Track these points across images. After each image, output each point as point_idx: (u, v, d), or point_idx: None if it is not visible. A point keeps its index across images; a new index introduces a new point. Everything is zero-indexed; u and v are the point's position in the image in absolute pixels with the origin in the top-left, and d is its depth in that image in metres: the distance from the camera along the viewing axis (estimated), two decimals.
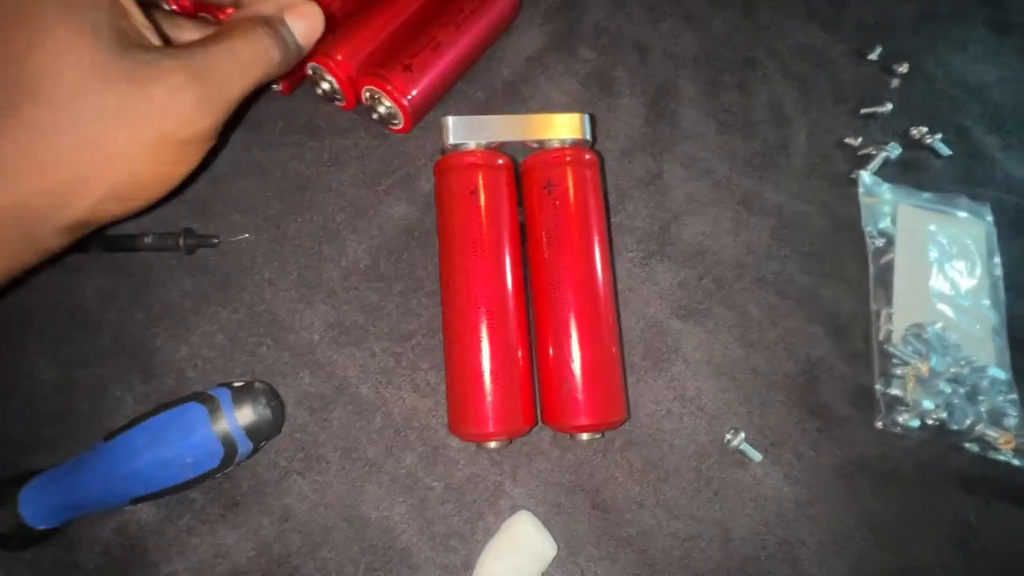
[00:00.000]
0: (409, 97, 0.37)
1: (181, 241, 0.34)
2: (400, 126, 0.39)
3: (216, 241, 0.35)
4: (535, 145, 0.32)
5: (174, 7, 0.37)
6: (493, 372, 0.27)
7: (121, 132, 0.19)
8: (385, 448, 0.30)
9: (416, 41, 0.39)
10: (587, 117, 0.32)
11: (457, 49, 0.40)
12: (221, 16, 0.35)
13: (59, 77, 0.18)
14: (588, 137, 0.32)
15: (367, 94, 0.38)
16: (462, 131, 0.31)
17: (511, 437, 0.28)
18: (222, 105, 0.21)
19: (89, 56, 0.18)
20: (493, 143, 0.31)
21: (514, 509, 0.29)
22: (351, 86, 0.38)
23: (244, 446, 0.27)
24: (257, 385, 0.28)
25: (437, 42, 0.39)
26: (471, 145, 0.31)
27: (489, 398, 0.27)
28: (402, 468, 0.29)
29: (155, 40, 0.21)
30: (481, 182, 0.29)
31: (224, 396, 0.27)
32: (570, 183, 0.30)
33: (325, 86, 0.39)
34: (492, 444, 0.28)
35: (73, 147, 0.18)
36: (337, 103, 0.40)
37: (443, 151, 0.32)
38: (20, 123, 0.18)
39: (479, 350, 0.28)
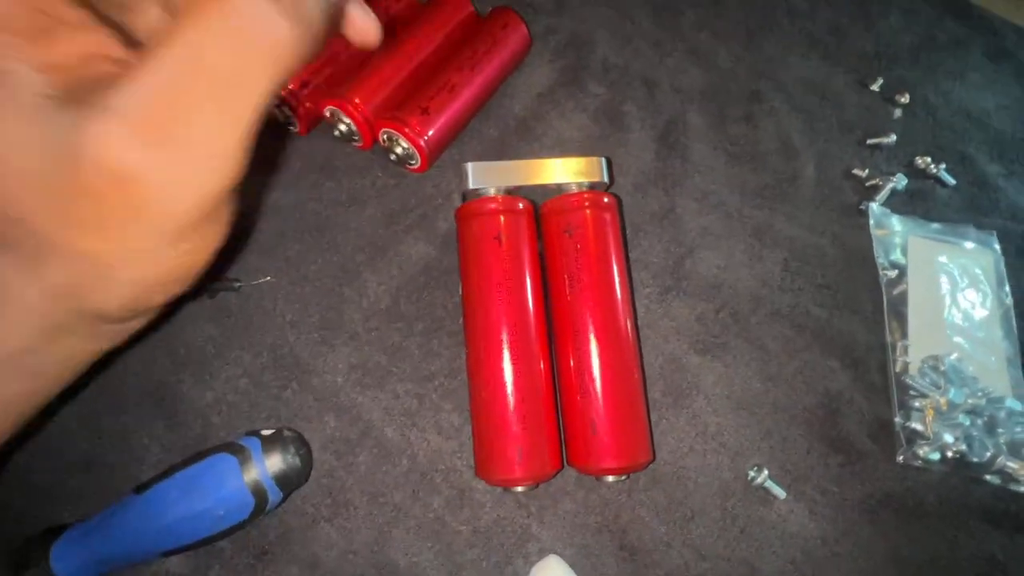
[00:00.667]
0: (426, 138, 0.38)
1: (204, 285, 0.34)
2: (417, 166, 0.40)
3: (238, 285, 0.35)
4: (554, 187, 0.33)
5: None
6: (519, 416, 0.28)
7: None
8: (411, 492, 0.30)
9: (432, 83, 0.39)
10: (604, 160, 0.32)
11: (472, 90, 0.40)
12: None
13: None
14: (606, 179, 0.32)
15: (384, 136, 0.39)
16: (482, 177, 0.31)
17: (537, 481, 0.28)
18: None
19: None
20: (512, 188, 0.32)
21: (542, 552, 0.29)
22: (368, 128, 0.39)
23: (274, 495, 0.27)
24: (287, 433, 0.28)
25: (452, 84, 0.40)
26: (491, 191, 0.31)
27: (516, 442, 0.27)
28: (429, 512, 0.30)
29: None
30: (503, 227, 0.30)
31: (254, 446, 0.27)
32: (590, 227, 0.30)
33: (343, 128, 0.40)
34: (519, 488, 0.28)
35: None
36: (354, 143, 0.41)
37: (464, 196, 0.33)
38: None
39: (505, 394, 0.28)
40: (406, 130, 0.38)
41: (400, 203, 0.39)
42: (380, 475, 0.30)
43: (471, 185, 0.31)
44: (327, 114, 0.40)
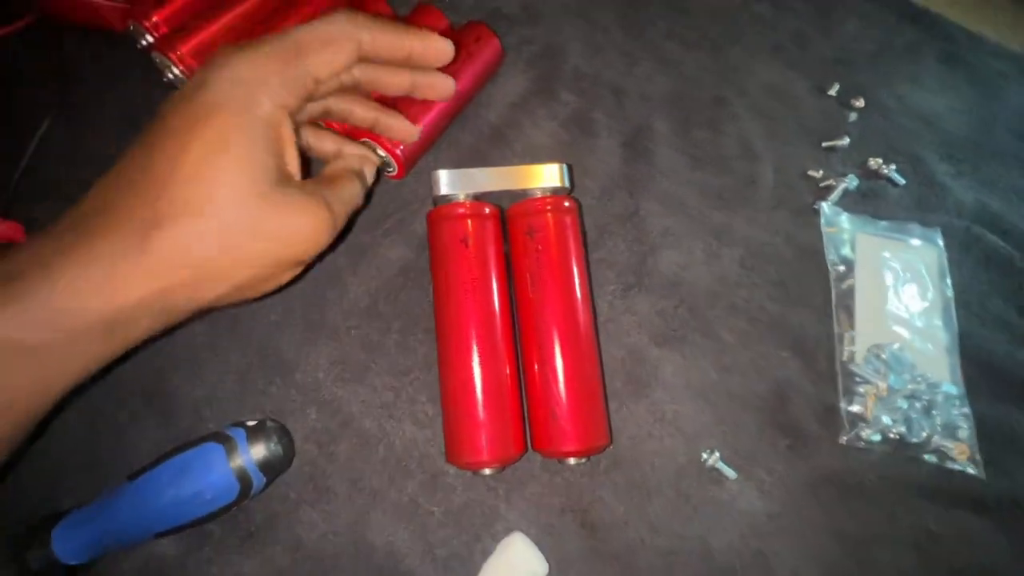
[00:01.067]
0: (402, 148, 0.40)
1: None
2: (394, 173, 0.42)
3: None
4: (520, 192, 0.35)
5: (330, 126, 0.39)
6: (485, 404, 0.30)
7: (255, 244, 0.24)
8: (388, 478, 0.32)
9: (409, 95, 0.42)
10: (565, 167, 0.35)
11: (447, 102, 0.43)
12: (356, 136, 0.38)
13: (216, 197, 0.23)
14: (567, 184, 0.35)
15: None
16: (451, 183, 0.34)
17: (504, 464, 0.31)
18: (335, 230, 0.27)
19: (246, 184, 0.23)
20: (480, 193, 0.34)
21: (508, 531, 0.31)
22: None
23: (258, 481, 0.29)
24: (269, 424, 0.30)
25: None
26: (460, 196, 0.34)
27: (482, 428, 0.30)
28: (404, 496, 0.32)
29: (298, 176, 0.26)
30: (470, 231, 0.32)
31: (240, 435, 0.29)
32: (551, 229, 0.33)
33: None
34: (487, 471, 0.30)
35: (213, 254, 0.23)
36: None
37: (435, 201, 0.35)
38: (179, 229, 0.22)
39: (473, 385, 0.30)
40: (384, 140, 0.40)
41: (379, 209, 0.42)
42: (359, 463, 0.33)
43: (441, 192, 0.34)
44: None
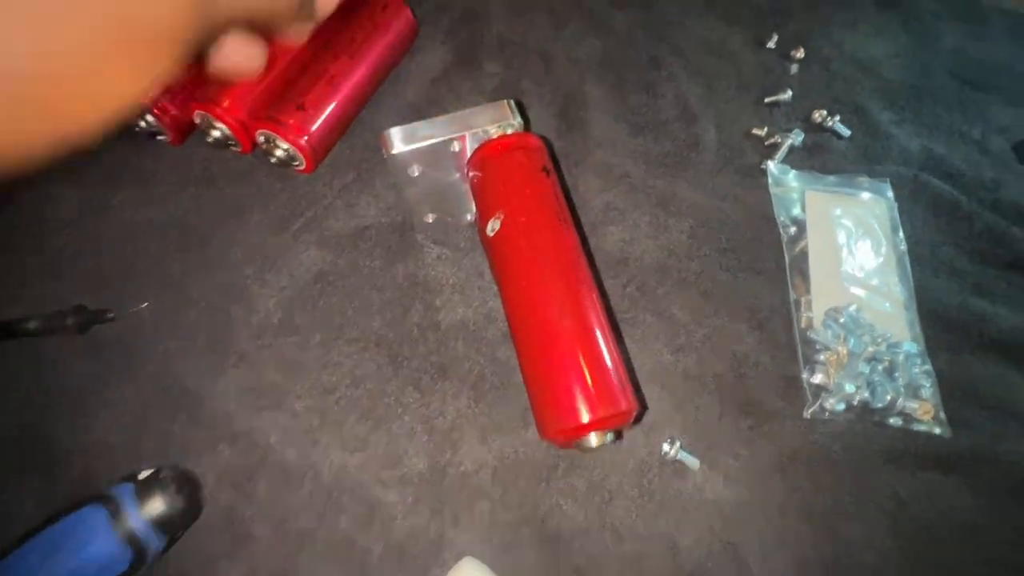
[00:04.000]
0: (306, 138, 0.35)
1: (70, 320, 0.31)
2: (303, 167, 0.37)
3: (111, 315, 0.32)
4: (481, 133, 0.31)
5: None
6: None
7: None
8: (317, 515, 0.29)
9: (308, 76, 0.37)
10: (512, 102, 0.31)
11: (353, 81, 0.38)
12: (252, 128, 0.33)
13: None
14: (519, 119, 0.31)
15: (262, 138, 0.36)
16: (406, 139, 0.30)
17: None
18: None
19: None
20: (438, 140, 0.30)
21: (459, 558, 0.28)
22: (244, 131, 0.36)
23: (157, 542, 0.25)
24: (164, 474, 0.26)
25: (331, 75, 0.37)
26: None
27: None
28: (337, 534, 0.28)
29: None
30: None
31: (126, 492, 0.25)
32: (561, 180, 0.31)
33: (216, 134, 0.37)
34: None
35: None
36: (233, 148, 0.38)
37: (390, 162, 0.30)
38: None
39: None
40: (283, 131, 0.35)
41: (288, 208, 0.37)
42: (282, 501, 0.29)
43: (395, 150, 0.29)
44: (197, 120, 0.37)
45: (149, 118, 0.36)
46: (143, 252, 0.35)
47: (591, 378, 0.24)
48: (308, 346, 0.32)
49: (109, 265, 0.34)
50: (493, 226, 0.28)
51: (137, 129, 0.37)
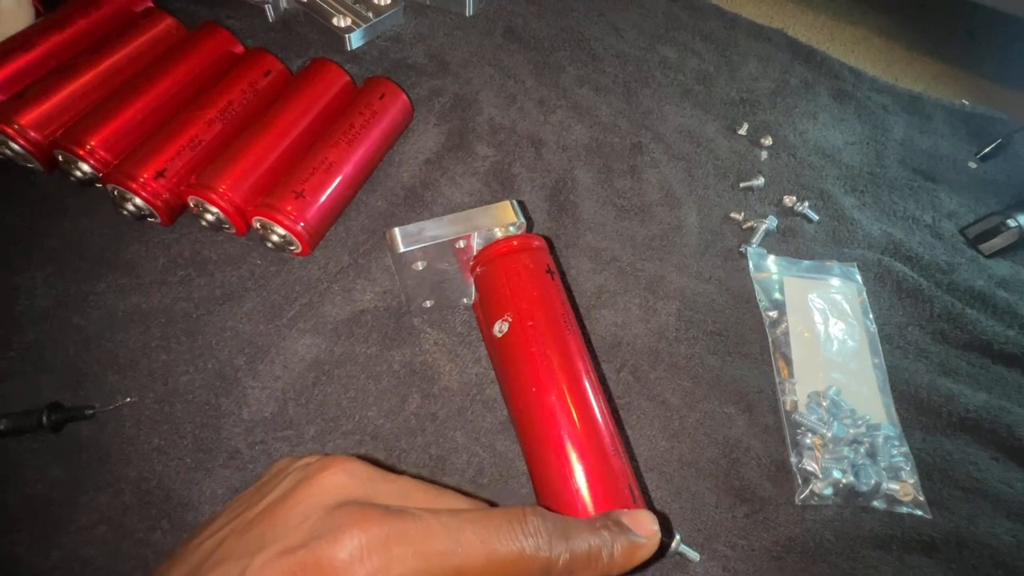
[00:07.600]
0: (302, 224, 0.36)
1: (44, 419, 0.30)
2: (298, 250, 0.37)
3: (90, 412, 0.31)
4: (486, 233, 0.31)
5: None
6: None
7: None
8: None
9: (307, 162, 0.37)
10: (516, 202, 0.32)
11: (351, 166, 0.39)
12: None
13: None
14: (522, 219, 0.32)
15: (258, 223, 0.36)
16: (410, 238, 0.30)
17: None
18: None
19: None
20: (444, 240, 0.30)
21: None
22: (240, 216, 0.36)
23: None
24: None
25: (329, 162, 0.38)
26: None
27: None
28: None
29: None
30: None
31: None
32: (558, 267, 0.31)
33: (210, 217, 0.36)
34: None
35: None
36: (226, 230, 0.38)
37: (395, 260, 0.30)
38: None
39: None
40: (280, 217, 0.35)
41: (282, 293, 0.37)
42: None
43: (401, 249, 0.29)
44: (191, 203, 0.37)
45: (139, 202, 0.36)
46: (126, 343, 0.33)
47: (606, 493, 0.24)
48: (303, 440, 0.32)
49: (89, 358, 0.33)
50: (501, 328, 0.28)
51: (125, 213, 0.36)
